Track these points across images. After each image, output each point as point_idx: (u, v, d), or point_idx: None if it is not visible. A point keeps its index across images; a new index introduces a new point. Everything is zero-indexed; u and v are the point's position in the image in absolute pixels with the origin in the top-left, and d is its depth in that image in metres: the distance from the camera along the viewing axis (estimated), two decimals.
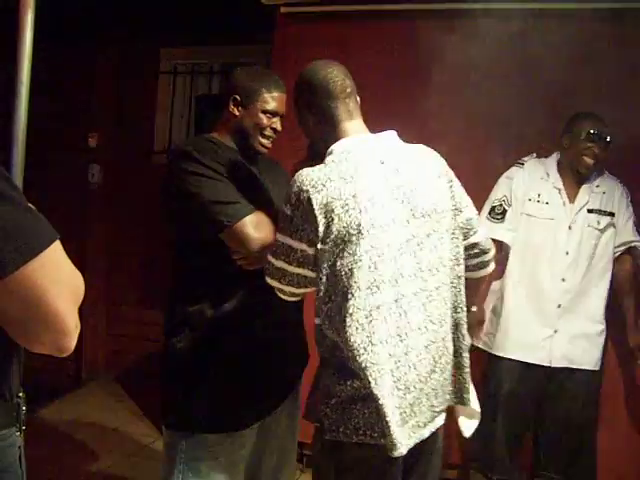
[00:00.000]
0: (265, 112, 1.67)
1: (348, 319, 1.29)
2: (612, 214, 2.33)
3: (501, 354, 2.36)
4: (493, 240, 1.77)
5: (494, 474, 2.38)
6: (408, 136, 1.52)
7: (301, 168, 1.39)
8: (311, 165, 1.39)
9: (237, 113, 1.68)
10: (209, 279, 1.62)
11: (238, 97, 1.67)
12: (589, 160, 2.29)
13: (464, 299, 1.46)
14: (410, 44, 2.69)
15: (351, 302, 1.29)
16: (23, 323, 0.91)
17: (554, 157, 2.41)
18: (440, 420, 1.44)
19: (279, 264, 1.41)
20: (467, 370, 1.48)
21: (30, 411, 1.06)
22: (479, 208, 2.09)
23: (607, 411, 2.48)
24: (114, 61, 4.02)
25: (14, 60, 1.35)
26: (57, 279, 0.90)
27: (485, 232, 1.57)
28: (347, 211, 1.31)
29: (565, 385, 2.32)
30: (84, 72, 3.99)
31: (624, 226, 2.34)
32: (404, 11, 2.71)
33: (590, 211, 2.32)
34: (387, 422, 1.28)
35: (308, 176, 1.35)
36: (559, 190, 2.34)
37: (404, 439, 1.31)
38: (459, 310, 1.45)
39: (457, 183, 1.49)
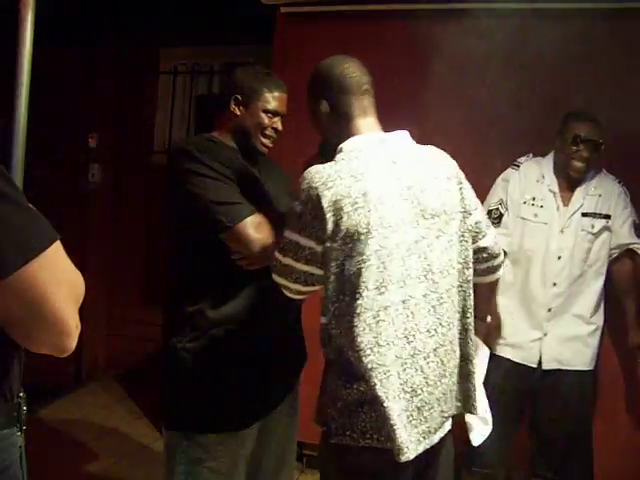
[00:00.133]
0: (266, 112, 1.67)
1: (356, 319, 1.28)
2: (608, 216, 2.30)
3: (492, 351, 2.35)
4: None
5: (474, 466, 2.38)
6: None
7: (311, 165, 1.38)
8: (322, 162, 1.38)
9: (238, 113, 1.68)
10: (209, 279, 1.62)
11: (239, 97, 1.67)
12: (578, 164, 2.25)
13: (472, 304, 1.44)
14: (410, 44, 2.69)
15: (359, 302, 1.28)
16: (23, 323, 0.91)
17: (550, 157, 2.39)
18: (448, 425, 1.42)
19: (286, 261, 1.39)
20: (474, 377, 1.46)
21: (30, 411, 1.06)
22: None
23: (605, 410, 2.49)
24: (114, 61, 4.02)
25: (14, 60, 1.35)
26: (58, 279, 0.90)
27: (494, 236, 1.56)
28: (356, 209, 1.29)
29: (557, 385, 2.31)
30: (84, 72, 3.99)
31: (621, 228, 2.30)
32: (404, 11, 2.71)
33: (584, 215, 2.28)
34: (392, 425, 1.27)
35: (318, 173, 1.33)
36: (554, 194, 2.31)
37: (412, 444, 1.29)
38: (468, 315, 1.43)
39: (467, 185, 1.47)
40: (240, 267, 1.57)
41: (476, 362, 1.48)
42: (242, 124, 1.68)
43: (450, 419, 1.43)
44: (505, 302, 2.37)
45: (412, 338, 1.32)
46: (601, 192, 2.31)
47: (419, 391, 1.32)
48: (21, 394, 1.04)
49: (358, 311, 1.28)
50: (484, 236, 1.50)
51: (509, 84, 2.55)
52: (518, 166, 2.39)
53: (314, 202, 1.31)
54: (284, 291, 1.46)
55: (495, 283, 1.60)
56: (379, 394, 1.27)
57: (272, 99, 1.67)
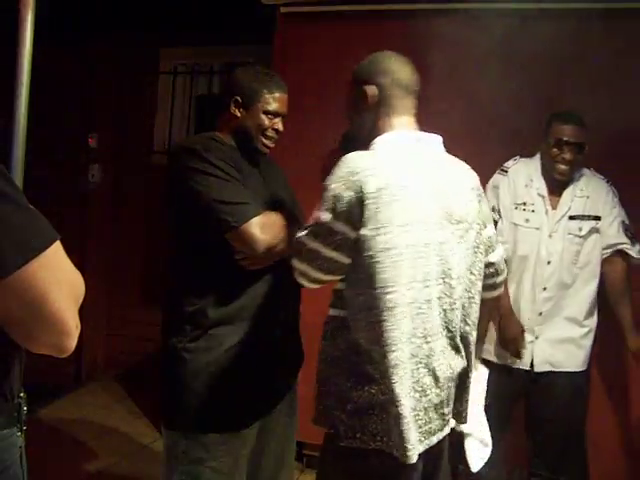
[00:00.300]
0: (267, 113, 1.66)
1: (386, 313, 1.27)
2: (598, 218, 2.28)
3: (483, 356, 2.34)
4: None
5: (460, 463, 2.38)
6: None
7: (336, 157, 1.36)
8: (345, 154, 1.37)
9: (238, 114, 1.67)
10: (210, 278, 1.61)
11: (239, 98, 1.66)
12: (562, 166, 2.24)
13: (477, 317, 1.45)
14: (410, 44, 2.68)
15: (391, 296, 1.27)
16: (23, 323, 0.91)
17: (537, 158, 2.37)
18: (447, 429, 1.42)
19: (314, 245, 1.33)
20: (469, 389, 1.46)
21: (30, 411, 1.06)
22: None
23: (600, 409, 2.49)
24: (114, 61, 4.02)
25: (14, 60, 1.35)
26: (58, 279, 0.90)
27: (502, 253, 1.56)
28: (395, 202, 1.28)
29: (550, 387, 2.31)
30: (84, 72, 3.99)
31: (609, 228, 2.28)
32: (404, 11, 2.71)
33: (572, 218, 2.27)
34: (405, 425, 1.27)
35: (361, 159, 1.32)
36: (543, 197, 2.30)
37: (416, 443, 1.29)
38: (470, 324, 1.42)
39: (485, 199, 1.49)
40: (242, 266, 1.57)
41: (474, 376, 1.48)
42: (243, 126, 1.67)
43: (449, 423, 1.43)
44: None
45: (430, 339, 1.32)
46: (589, 193, 2.29)
47: (428, 392, 1.32)
48: (22, 394, 1.04)
49: (390, 305, 1.27)
50: (493, 251, 1.51)
51: (509, 84, 2.55)
52: (506, 171, 2.38)
53: (356, 188, 1.28)
54: (300, 278, 1.41)
55: (495, 300, 1.59)
56: (397, 392, 1.27)
57: (272, 100, 1.66)
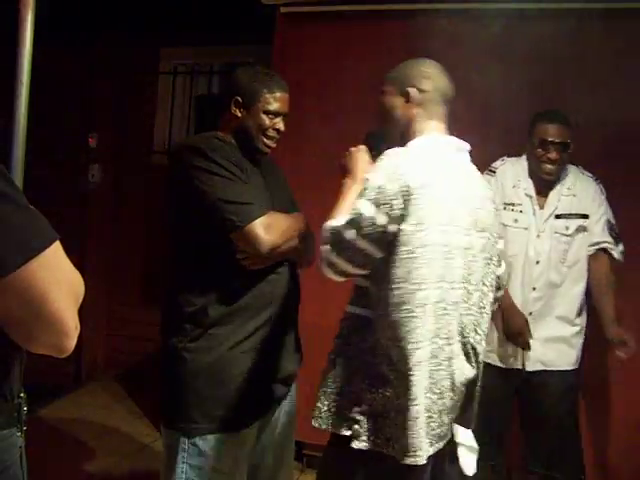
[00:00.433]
0: (267, 113, 1.66)
1: (419, 310, 1.27)
2: (585, 216, 2.28)
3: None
4: None
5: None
6: None
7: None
8: (372, 155, 1.39)
9: (239, 115, 1.67)
10: (211, 278, 1.61)
11: (240, 99, 1.66)
12: (548, 166, 2.24)
13: (488, 327, 1.46)
14: (410, 44, 2.69)
15: (424, 293, 1.27)
16: (23, 323, 0.91)
17: (524, 158, 2.36)
18: (450, 434, 1.42)
19: (350, 235, 1.30)
20: (476, 397, 1.47)
21: (30, 411, 1.06)
22: None
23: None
24: (114, 61, 4.02)
25: (14, 60, 1.35)
26: (57, 279, 0.90)
27: (505, 267, 1.58)
28: (434, 201, 1.30)
29: (543, 386, 2.31)
30: (84, 72, 3.99)
31: (595, 226, 2.28)
32: (404, 11, 2.71)
33: (558, 217, 2.27)
34: (418, 426, 1.27)
35: (407, 156, 1.34)
36: (530, 197, 2.30)
37: (426, 445, 1.29)
38: (481, 334, 1.43)
39: (497, 214, 1.52)
40: (243, 266, 1.57)
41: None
42: (243, 126, 1.67)
43: (452, 429, 1.43)
44: None
45: (451, 341, 1.33)
46: (576, 192, 2.29)
47: (445, 395, 1.33)
48: (22, 395, 1.04)
49: (423, 302, 1.27)
50: (500, 264, 1.52)
51: (509, 84, 2.56)
52: (494, 172, 2.37)
53: (401, 182, 1.28)
54: (327, 269, 1.37)
55: (494, 313, 1.60)
56: (414, 390, 1.27)
57: (273, 100, 1.66)
